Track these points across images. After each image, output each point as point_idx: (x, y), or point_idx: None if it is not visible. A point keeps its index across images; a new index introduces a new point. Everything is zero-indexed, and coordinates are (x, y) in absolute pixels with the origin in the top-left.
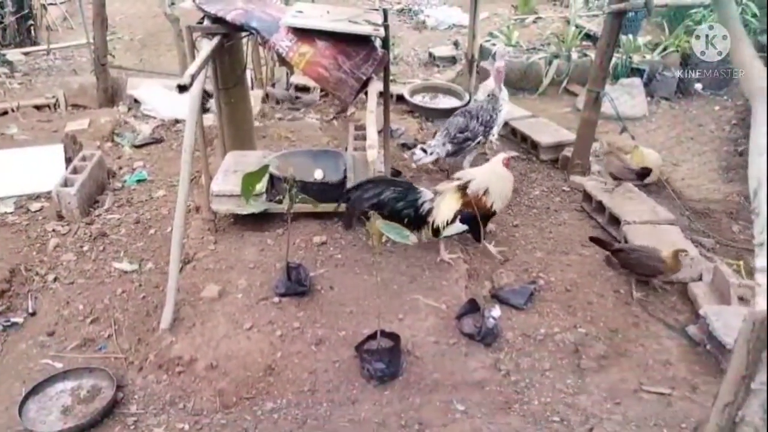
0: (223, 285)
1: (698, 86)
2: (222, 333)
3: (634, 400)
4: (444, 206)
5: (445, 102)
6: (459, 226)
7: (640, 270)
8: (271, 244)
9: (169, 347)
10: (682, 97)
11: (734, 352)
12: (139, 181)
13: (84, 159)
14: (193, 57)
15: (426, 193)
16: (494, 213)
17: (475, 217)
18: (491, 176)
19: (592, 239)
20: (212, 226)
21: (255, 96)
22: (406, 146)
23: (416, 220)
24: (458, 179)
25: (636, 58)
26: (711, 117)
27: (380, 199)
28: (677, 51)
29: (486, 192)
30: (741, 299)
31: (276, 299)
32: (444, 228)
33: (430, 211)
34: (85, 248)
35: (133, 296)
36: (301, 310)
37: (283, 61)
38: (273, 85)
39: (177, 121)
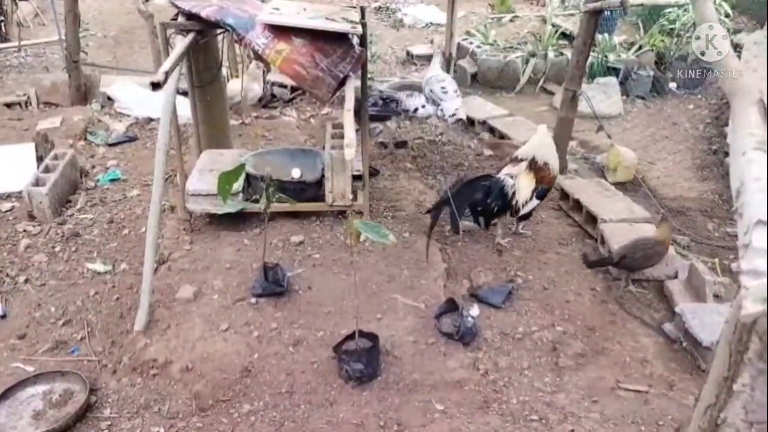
0: (198, 286)
1: (673, 85)
2: (198, 334)
3: (612, 398)
4: (523, 186)
5: (422, 99)
6: (534, 202)
7: (649, 263)
8: (247, 244)
9: (144, 350)
10: (657, 96)
11: (716, 354)
12: (112, 180)
13: (56, 158)
14: (168, 54)
15: (507, 180)
16: (554, 179)
17: (548, 189)
18: (543, 148)
19: (590, 265)
20: (187, 226)
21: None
22: (383, 145)
23: (503, 207)
24: (521, 159)
25: (612, 57)
26: (686, 116)
27: (476, 199)
28: (652, 50)
29: (546, 164)
30: (716, 296)
31: (253, 300)
32: (524, 206)
33: (513, 194)
34: (57, 249)
35: (107, 298)
36: (278, 310)
37: (259, 58)
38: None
39: (151, 120)
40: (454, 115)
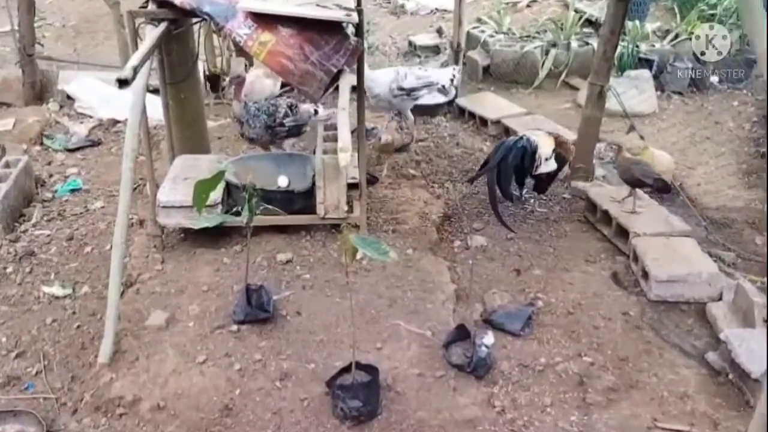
0: (171, 311)
1: (714, 79)
2: (171, 368)
3: None
4: (543, 142)
5: (427, 97)
6: (552, 165)
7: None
8: (227, 263)
9: (109, 385)
10: (696, 92)
11: (765, 387)
12: (72, 190)
13: (7, 165)
14: (136, 47)
15: (532, 136)
16: (570, 151)
17: (564, 161)
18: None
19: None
20: (159, 243)
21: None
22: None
23: (530, 166)
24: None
25: (644, 47)
26: (729, 114)
27: (519, 160)
28: (690, 39)
29: (569, 141)
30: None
31: (234, 327)
32: (542, 163)
33: (536, 149)
34: (9, 270)
35: (66, 326)
36: (263, 339)
37: (241, 51)
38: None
39: (117, 121)
40: (453, 77)
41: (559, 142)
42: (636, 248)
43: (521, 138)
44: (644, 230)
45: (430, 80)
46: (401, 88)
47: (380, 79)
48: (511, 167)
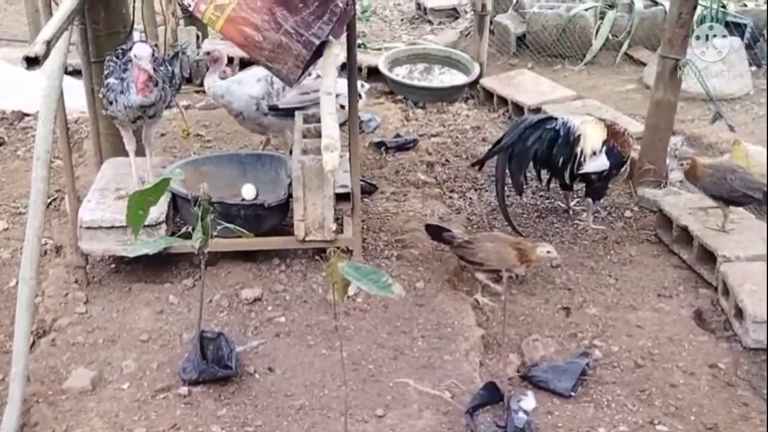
0: (99, 369)
1: None
2: None
3: None
4: (590, 132)
5: (443, 77)
6: (603, 162)
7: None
8: (174, 303)
9: None
10: None
11: None
12: None
13: None
14: (50, 14)
15: (572, 121)
16: (630, 146)
17: (624, 158)
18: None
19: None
20: (82, 277)
21: None
22: (383, 145)
23: (567, 161)
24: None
25: (733, 7)
26: None
27: (545, 147)
28: None
29: (627, 132)
30: None
31: (183, 390)
32: (589, 159)
33: (578, 139)
34: None
35: None
36: (223, 406)
37: (191, 17)
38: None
39: (25, 114)
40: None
41: (613, 132)
42: (726, 278)
43: (554, 119)
44: (737, 253)
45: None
46: (274, 108)
47: (241, 92)
48: (530, 153)
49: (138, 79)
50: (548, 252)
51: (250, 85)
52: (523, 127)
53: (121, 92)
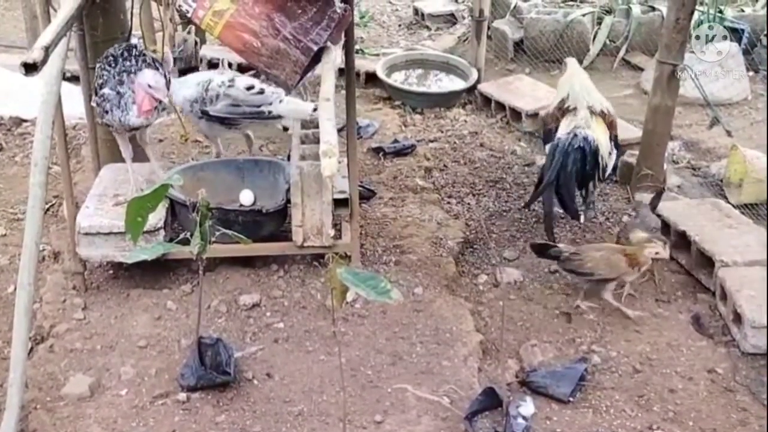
0: (97, 375)
1: None
2: None
3: None
4: (599, 134)
5: (440, 83)
6: (614, 155)
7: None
8: (172, 309)
9: None
10: None
11: None
12: None
13: None
14: (48, 20)
15: (589, 133)
16: (616, 125)
17: (618, 142)
18: (588, 91)
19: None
20: (80, 283)
21: None
22: (381, 151)
23: (597, 168)
24: (572, 108)
25: (731, 12)
26: None
27: (579, 167)
28: None
29: (603, 108)
30: None
31: (182, 396)
32: (608, 160)
33: (597, 147)
34: None
35: None
36: (221, 412)
37: (189, 23)
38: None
39: (23, 120)
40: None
41: (609, 123)
42: (725, 283)
43: (574, 136)
44: (735, 258)
45: (261, 108)
46: (205, 113)
47: (180, 92)
48: (573, 176)
49: (143, 105)
50: (657, 253)
51: (188, 86)
52: (559, 153)
53: (117, 107)
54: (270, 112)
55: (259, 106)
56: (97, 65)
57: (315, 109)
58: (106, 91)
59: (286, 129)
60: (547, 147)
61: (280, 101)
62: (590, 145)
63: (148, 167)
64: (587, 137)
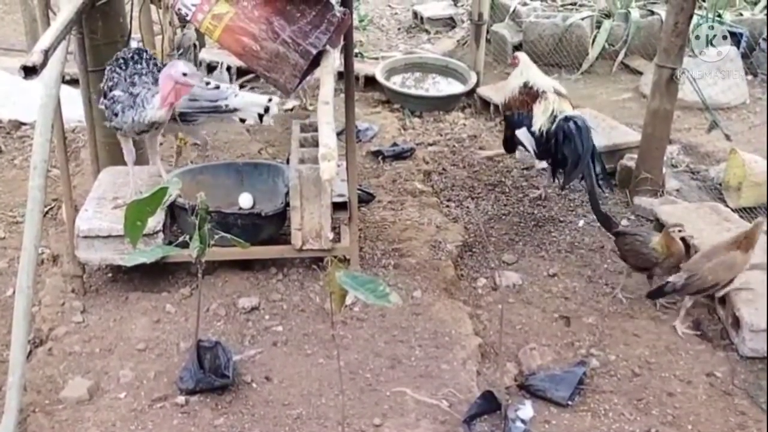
0: (96, 378)
1: None
2: None
3: None
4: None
5: (440, 86)
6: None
7: (634, 261)
8: (171, 312)
9: None
10: None
11: None
12: None
13: None
14: (48, 23)
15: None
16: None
17: None
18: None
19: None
20: (79, 286)
21: None
22: (380, 154)
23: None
24: (542, 91)
25: (729, 16)
26: None
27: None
28: None
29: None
30: None
31: (180, 399)
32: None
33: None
34: None
35: None
36: (220, 415)
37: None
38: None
39: (22, 124)
40: (268, 108)
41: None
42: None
43: (566, 119)
44: None
45: (218, 102)
46: None
47: None
48: (588, 152)
49: (169, 95)
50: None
51: None
52: (580, 134)
53: (131, 107)
54: (227, 106)
55: (215, 101)
56: (107, 68)
57: (270, 100)
58: (116, 93)
59: (243, 120)
60: (553, 128)
61: (236, 95)
62: (584, 121)
63: (147, 170)
64: (580, 116)
